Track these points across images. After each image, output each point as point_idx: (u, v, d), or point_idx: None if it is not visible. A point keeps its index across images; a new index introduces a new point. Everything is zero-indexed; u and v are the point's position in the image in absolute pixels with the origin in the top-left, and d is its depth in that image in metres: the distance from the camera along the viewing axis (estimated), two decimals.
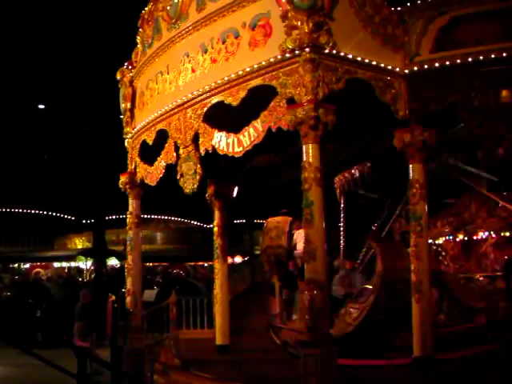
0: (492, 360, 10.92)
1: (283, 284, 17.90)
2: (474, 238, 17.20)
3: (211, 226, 16.97)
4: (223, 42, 11.64)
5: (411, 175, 11.98)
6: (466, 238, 17.35)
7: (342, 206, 20.64)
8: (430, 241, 15.04)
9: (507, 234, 17.07)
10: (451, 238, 17.73)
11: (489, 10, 11.59)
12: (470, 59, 11.47)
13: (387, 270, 13.99)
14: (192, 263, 46.53)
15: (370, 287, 14.28)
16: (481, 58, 11.42)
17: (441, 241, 17.96)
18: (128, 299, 15.24)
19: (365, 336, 12.80)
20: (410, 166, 12.00)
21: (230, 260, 20.85)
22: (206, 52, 12.07)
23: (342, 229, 21.15)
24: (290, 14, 10.35)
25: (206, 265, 43.82)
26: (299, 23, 10.28)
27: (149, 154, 14.40)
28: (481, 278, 16.45)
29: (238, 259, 40.48)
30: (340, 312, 14.24)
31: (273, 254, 17.76)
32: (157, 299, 23.31)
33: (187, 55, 12.58)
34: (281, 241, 17.65)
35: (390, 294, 13.71)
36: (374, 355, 12.47)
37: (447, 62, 11.61)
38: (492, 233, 17.25)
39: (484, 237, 17.39)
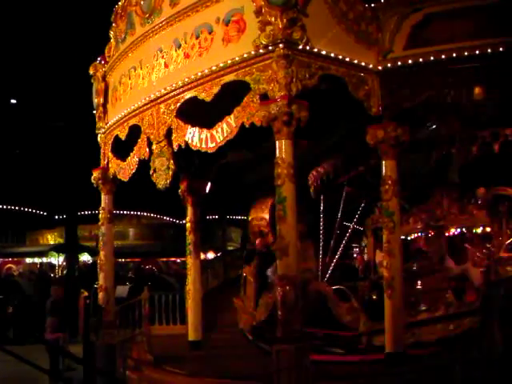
0: (464, 357, 11.00)
1: (244, 260, 18.03)
2: (446, 234, 17.25)
3: (184, 221, 16.93)
4: (197, 38, 11.61)
5: (384, 172, 12.04)
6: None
7: (321, 202, 20.63)
8: (403, 237, 15.05)
9: (479, 230, 17.15)
10: (423, 234, 17.76)
11: (462, 8, 11.67)
12: (443, 56, 11.55)
13: None
14: (164, 259, 46.43)
15: None
16: (454, 55, 11.50)
17: (413, 237, 17.97)
18: (100, 295, 15.22)
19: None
20: (383, 162, 12.06)
21: (202, 256, 20.81)
22: (179, 47, 12.04)
23: (321, 225, 21.16)
24: (263, 10, 10.35)
25: (178, 261, 43.69)
26: (273, 19, 10.28)
27: (121, 149, 14.36)
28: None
29: (211, 255, 40.41)
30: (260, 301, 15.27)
31: (256, 225, 17.83)
32: (129, 295, 23.20)
33: (160, 50, 12.55)
34: (263, 213, 17.71)
35: None
36: None
37: (420, 59, 11.68)
38: (464, 229, 17.33)
39: (456, 233, 17.47)
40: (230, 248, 38.21)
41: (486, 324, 10.62)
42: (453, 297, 13.87)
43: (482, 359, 10.12)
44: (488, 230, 16.86)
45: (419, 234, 17.61)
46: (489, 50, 11.30)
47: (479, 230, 17.10)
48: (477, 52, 11.37)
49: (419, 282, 14.54)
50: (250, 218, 18.29)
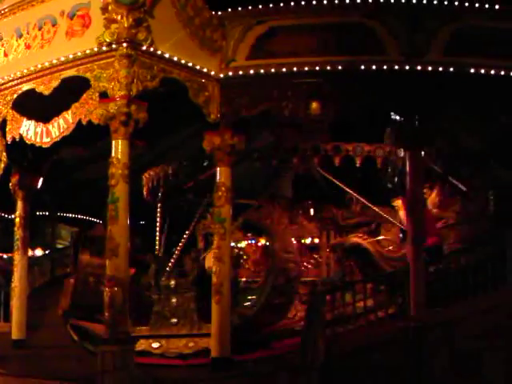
0: (290, 361, 11.26)
1: None
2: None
3: (13, 216, 16.51)
4: (39, 29, 11.42)
5: (218, 178, 12.15)
6: (267, 243, 17.69)
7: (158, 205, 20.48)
8: (233, 244, 15.22)
9: (307, 241, 17.57)
10: (253, 242, 18.02)
11: (306, 24, 11.96)
12: (283, 69, 11.77)
13: (83, 265, 16.66)
14: None
15: None
16: (294, 69, 11.75)
17: (243, 244, 18.19)
18: None
19: None
20: (218, 169, 12.18)
21: (30, 253, 20.35)
22: (20, 37, 11.80)
23: (157, 227, 20.99)
24: (110, 7, 10.27)
25: (5, 256, 42.45)
26: (119, 17, 10.23)
27: None
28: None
29: (39, 252, 39.53)
30: None
31: None
32: None
33: (0, 38, 12.22)
34: None
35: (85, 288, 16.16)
36: None
37: (261, 70, 11.84)
38: (293, 239, 17.70)
39: None
40: (60, 246, 37.45)
41: (309, 333, 10.88)
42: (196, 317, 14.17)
43: (304, 367, 10.37)
44: (316, 241, 17.35)
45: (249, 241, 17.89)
46: (328, 68, 11.62)
47: (308, 241, 17.55)
48: (317, 68, 11.65)
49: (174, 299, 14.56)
50: None
